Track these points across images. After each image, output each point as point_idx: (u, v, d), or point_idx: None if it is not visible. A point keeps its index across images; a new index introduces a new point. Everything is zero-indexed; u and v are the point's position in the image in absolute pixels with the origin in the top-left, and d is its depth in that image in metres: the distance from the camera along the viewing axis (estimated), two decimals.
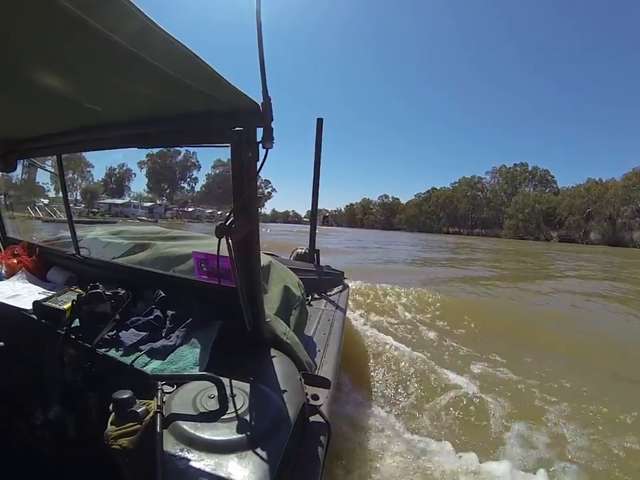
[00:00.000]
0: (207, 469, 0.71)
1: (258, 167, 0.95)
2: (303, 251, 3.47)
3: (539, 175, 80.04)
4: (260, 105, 0.87)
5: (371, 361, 3.38)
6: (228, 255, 0.99)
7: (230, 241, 0.95)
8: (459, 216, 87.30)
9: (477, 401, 2.79)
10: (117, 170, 68.68)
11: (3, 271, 1.82)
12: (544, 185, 78.55)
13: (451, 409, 2.72)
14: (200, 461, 0.72)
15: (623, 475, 2.14)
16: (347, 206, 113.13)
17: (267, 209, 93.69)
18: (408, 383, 3.06)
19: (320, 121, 3.20)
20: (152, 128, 1.18)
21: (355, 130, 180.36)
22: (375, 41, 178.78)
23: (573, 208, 68.20)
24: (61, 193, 1.92)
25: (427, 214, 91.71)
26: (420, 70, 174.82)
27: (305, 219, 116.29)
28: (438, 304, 5.65)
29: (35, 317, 1.37)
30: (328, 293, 2.81)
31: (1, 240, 2.14)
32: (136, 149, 1.34)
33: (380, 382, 3.09)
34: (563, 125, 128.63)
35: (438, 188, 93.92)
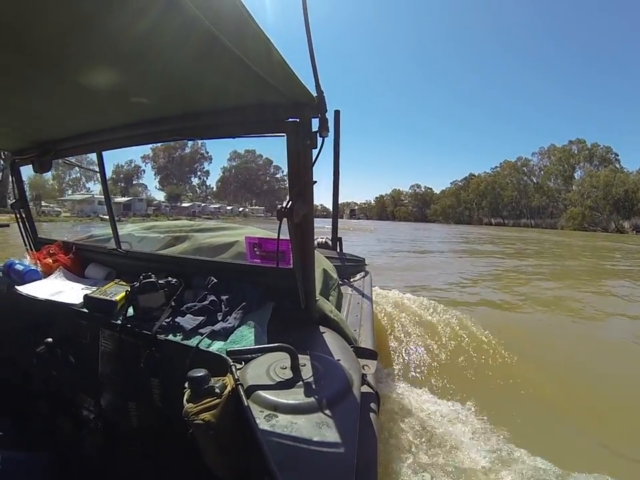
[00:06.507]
0: (300, 428, 0.84)
1: (315, 155, 1.12)
2: (324, 240, 3.92)
3: (599, 154, 74.78)
4: (315, 97, 1.03)
5: None
6: (283, 238, 1.18)
7: (289, 223, 1.13)
8: (503, 205, 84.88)
9: None
10: (125, 167, 70.46)
11: (40, 271, 2.00)
12: (605, 166, 73.21)
13: None
14: (291, 422, 0.86)
15: None
16: (376, 198, 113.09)
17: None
18: None
19: (337, 113, 3.39)
20: (206, 120, 1.33)
21: (383, 117, 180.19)
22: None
23: None
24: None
25: (466, 203, 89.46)
26: (452, 47, 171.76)
27: None
28: None
29: (85, 310, 1.52)
30: (351, 280, 3.03)
31: (32, 241, 2.35)
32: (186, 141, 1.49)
33: None
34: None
35: (476, 174, 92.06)
